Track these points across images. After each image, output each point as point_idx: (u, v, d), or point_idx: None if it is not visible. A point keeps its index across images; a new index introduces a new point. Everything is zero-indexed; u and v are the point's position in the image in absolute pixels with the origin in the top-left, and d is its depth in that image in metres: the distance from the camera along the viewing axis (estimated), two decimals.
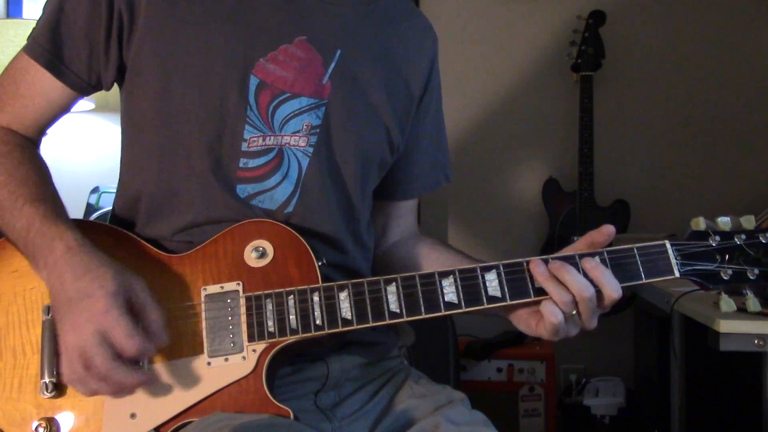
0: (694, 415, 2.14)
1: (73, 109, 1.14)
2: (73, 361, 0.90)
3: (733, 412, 2.22)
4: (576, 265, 0.96)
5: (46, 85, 1.07)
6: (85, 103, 2.40)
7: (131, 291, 0.92)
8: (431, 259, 1.20)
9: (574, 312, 0.96)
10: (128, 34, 1.04)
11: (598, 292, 0.96)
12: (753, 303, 0.99)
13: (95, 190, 2.48)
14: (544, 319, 0.97)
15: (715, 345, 1.49)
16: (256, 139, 1.05)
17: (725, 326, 1.46)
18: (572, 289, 0.95)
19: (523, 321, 1.03)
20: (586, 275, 0.95)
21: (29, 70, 1.07)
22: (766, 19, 2.91)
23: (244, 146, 1.05)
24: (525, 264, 0.98)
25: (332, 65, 1.09)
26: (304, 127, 1.08)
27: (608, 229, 0.99)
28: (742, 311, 1.02)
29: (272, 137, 1.06)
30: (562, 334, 0.98)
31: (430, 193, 1.31)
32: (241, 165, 1.06)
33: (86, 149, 2.73)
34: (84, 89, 1.10)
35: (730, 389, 2.23)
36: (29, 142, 1.11)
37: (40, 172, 1.06)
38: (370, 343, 1.16)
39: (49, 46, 1.06)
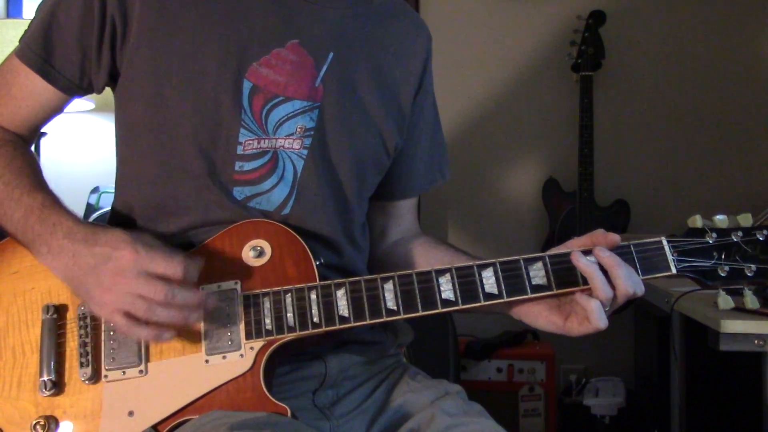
0: (694, 415, 2.13)
1: (73, 109, 1.14)
2: (132, 304, 0.91)
3: (733, 412, 2.22)
4: None
5: (37, 88, 1.08)
6: (85, 103, 2.40)
7: (143, 237, 0.95)
8: (431, 257, 1.20)
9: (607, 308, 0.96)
10: (121, 40, 1.04)
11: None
12: (751, 300, 0.99)
13: (95, 190, 2.49)
14: (591, 321, 0.95)
15: (715, 345, 1.49)
16: (251, 142, 1.06)
17: (725, 326, 1.46)
18: (621, 283, 0.94)
19: (543, 318, 1.02)
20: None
21: (20, 73, 1.08)
22: (766, 19, 2.91)
23: (239, 149, 1.05)
24: (522, 261, 0.99)
25: (324, 68, 1.09)
26: (298, 129, 1.08)
27: (614, 239, 0.99)
28: (740, 310, 1.02)
29: (267, 140, 1.07)
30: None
31: (429, 192, 1.30)
32: (236, 168, 1.06)
33: (86, 149, 2.73)
34: (76, 92, 1.10)
35: (730, 389, 2.23)
36: (20, 139, 1.12)
37: (33, 165, 1.07)
38: (368, 342, 1.16)
39: (40, 51, 1.06)
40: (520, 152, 2.97)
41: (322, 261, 1.03)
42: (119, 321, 0.93)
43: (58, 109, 1.12)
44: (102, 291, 0.92)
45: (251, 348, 0.98)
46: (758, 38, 2.91)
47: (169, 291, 0.91)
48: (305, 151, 1.09)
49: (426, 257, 1.20)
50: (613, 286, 0.95)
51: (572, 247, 1.00)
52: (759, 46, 2.91)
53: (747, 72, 2.91)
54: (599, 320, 0.95)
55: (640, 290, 0.97)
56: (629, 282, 0.95)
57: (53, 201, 1.00)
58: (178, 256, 0.93)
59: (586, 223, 2.71)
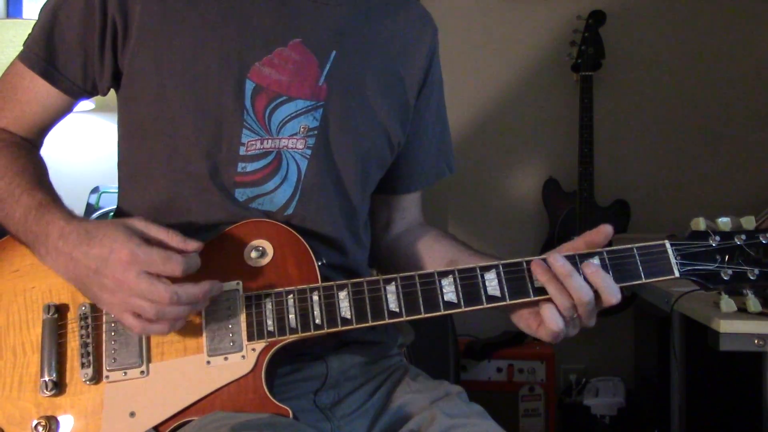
0: (694, 415, 2.13)
1: (73, 109, 1.14)
2: (140, 307, 0.90)
3: (733, 412, 2.22)
4: (576, 266, 0.96)
5: (41, 91, 1.08)
6: (85, 103, 2.38)
7: (136, 229, 0.93)
8: (434, 251, 1.20)
9: (575, 315, 0.96)
10: (123, 40, 1.04)
11: (597, 296, 0.96)
12: (753, 303, 0.99)
13: (95, 190, 2.48)
14: (545, 325, 0.97)
15: (715, 345, 1.49)
16: (254, 142, 1.05)
17: (725, 326, 1.46)
18: (573, 294, 0.95)
19: (523, 320, 1.03)
20: (586, 279, 0.95)
21: (25, 77, 1.08)
22: (766, 19, 2.91)
23: (242, 150, 1.05)
24: (525, 264, 0.98)
25: (327, 67, 1.09)
26: (302, 129, 1.08)
27: (606, 230, 0.99)
28: (742, 311, 1.02)
29: (270, 140, 1.06)
30: (561, 338, 0.99)
31: (431, 190, 1.30)
32: (239, 169, 1.06)
33: (86, 149, 2.73)
34: (80, 95, 1.10)
35: (730, 389, 2.23)
36: (26, 142, 1.11)
37: (37, 165, 1.07)
38: (370, 342, 1.16)
39: (43, 54, 1.06)
40: (520, 152, 2.97)
41: (324, 262, 1.03)
42: (131, 322, 0.92)
43: (63, 113, 1.12)
44: (108, 294, 0.91)
45: (253, 349, 0.98)
46: (758, 38, 2.91)
47: (173, 293, 0.90)
48: (309, 151, 1.08)
49: (432, 251, 1.20)
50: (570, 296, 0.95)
51: (569, 250, 0.99)
52: (759, 46, 2.91)
53: (747, 72, 2.91)
54: (553, 323, 0.96)
55: (614, 298, 0.95)
56: (582, 292, 0.94)
57: (51, 200, 0.99)
58: (173, 255, 0.91)
59: (586, 223, 2.71)
